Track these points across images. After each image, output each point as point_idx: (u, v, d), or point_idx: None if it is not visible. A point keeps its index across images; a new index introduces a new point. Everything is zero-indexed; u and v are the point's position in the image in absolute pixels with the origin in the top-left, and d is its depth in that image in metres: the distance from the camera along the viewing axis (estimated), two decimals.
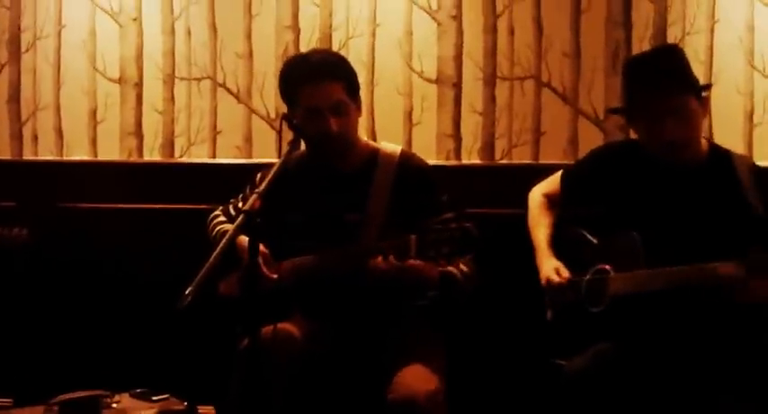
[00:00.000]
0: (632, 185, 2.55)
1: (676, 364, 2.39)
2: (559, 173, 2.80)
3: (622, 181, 2.57)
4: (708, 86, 2.53)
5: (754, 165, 2.56)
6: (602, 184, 2.62)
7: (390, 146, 2.76)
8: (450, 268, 2.55)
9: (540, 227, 2.73)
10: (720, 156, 2.53)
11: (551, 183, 2.80)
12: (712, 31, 3.29)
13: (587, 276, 2.56)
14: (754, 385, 2.34)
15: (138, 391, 2.78)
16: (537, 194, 2.81)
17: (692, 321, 2.39)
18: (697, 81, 2.50)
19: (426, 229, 2.30)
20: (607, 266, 2.52)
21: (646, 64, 2.51)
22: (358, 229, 2.60)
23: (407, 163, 2.71)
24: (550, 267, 2.58)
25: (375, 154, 2.72)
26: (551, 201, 2.78)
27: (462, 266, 2.57)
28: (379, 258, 2.41)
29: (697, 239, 2.39)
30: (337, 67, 2.64)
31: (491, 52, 3.44)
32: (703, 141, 2.54)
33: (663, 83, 2.43)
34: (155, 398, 2.74)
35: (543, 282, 2.59)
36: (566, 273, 2.56)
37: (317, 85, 2.58)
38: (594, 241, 2.62)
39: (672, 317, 2.39)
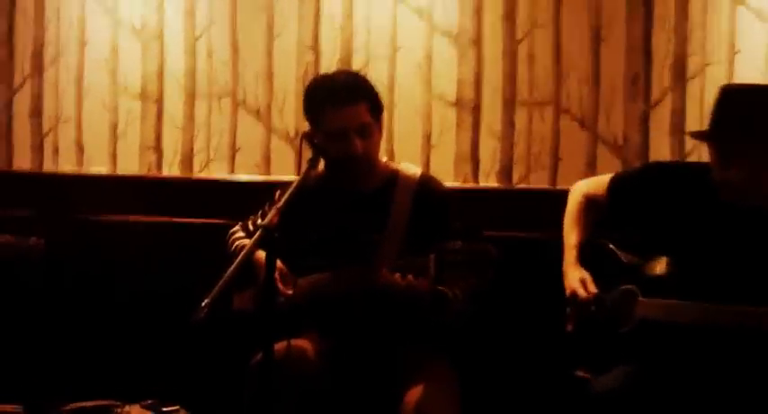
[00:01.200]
0: (689, 213, 2.46)
1: (703, 396, 2.33)
2: (607, 176, 2.70)
3: (679, 204, 2.48)
4: None
5: None
6: (656, 201, 2.52)
7: (411, 168, 2.77)
8: (443, 288, 2.52)
9: (573, 230, 2.66)
10: None
11: (597, 184, 2.70)
12: (732, 61, 3.29)
13: (613, 295, 2.51)
14: None
15: (149, 402, 2.78)
16: (578, 193, 2.72)
17: (724, 358, 2.32)
18: None
19: (446, 250, 2.30)
20: (635, 287, 2.47)
21: (742, 102, 2.37)
22: (376, 250, 2.59)
23: (427, 186, 2.72)
24: (576, 278, 2.53)
25: (395, 175, 2.73)
26: (592, 202, 2.69)
27: (457, 291, 2.55)
28: (397, 275, 2.41)
29: (738, 282, 2.32)
30: (362, 89, 2.65)
31: (510, 77, 3.46)
32: None
33: (748, 131, 2.32)
34: (165, 409, 2.74)
35: (568, 292, 2.54)
36: (593, 287, 2.50)
37: (343, 107, 2.59)
38: (624, 259, 2.56)
39: (702, 351, 2.33)
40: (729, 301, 2.27)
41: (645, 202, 2.55)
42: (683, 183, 2.51)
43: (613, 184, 2.65)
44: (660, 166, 2.69)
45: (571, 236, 2.65)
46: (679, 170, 2.60)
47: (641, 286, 2.46)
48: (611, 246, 2.60)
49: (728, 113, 2.38)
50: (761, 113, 2.34)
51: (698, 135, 2.50)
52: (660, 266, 2.44)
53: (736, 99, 2.40)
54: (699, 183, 2.45)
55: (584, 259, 2.61)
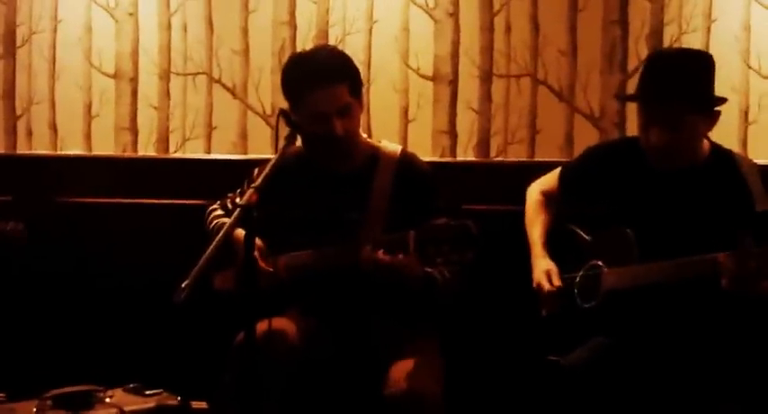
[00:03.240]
0: (629, 184, 2.55)
1: (670, 358, 2.40)
2: (558, 170, 2.80)
3: (619, 179, 2.57)
4: (722, 101, 2.46)
5: (756, 164, 2.53)
6: (600, 181, 2.61)
7: (391, 146, 2.75)
8: (432, 270, 2.53)
9: (535, 225, 2.74)
10: (722, 156, 2.51)
11: (549, 179, 2.80)
12: (708, 30, 3.29)
13: (580, 273, 2.57)
14: (749, 380, 2.35)
15: (132, 385, 2.77)
16: (534, 191, 2.82)
17: (686, 315, 2.39)
18: (711, 97, 2.44)
19: (426, 227, 2.30)
20: (599, 262, 2.52)
21: (666, 66, 2.44)
22: (357, 228, 2.59)
23: (408, 164, 2.70)
24: (542, 270, 2.59)
25: (376, 153, 2.71)
26: (549, 198, 2.78)
27: (445, 272, 2.55)
28: (380, 253, 2.40)
29: (692, 237, 2.38)
30: (343, 69, 2.61)
31: (488, 49, 3.44)
32: (705, 143, 2.52)
33: (670, 93, 2.38)
34: (148, 392, 2.73)
35: (534, 285, 2.61)
36: (557, 279, 2.57)
37: (324, 89, 2.55)
38: (587, 238, 2.62)
39: (666, 311, 2.40)
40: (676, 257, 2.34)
41: (590, 183, 2.64)
42: (618, 157, 2.60)
43: (562, 174, 2.76)
44: (598, 147, 2.79)
45: (534, 231, 2.73)
46: (615, 147, 2.70)
47: (605, 259, 2.51)
48: (572, 227, 2.67)
49: (651, 78, 2.45)
50: (679, 77, 2.40)
51: (622, 98, 2.57)
52: (615, 236, 2.49)
53: (659, 64, 2.47)
54: (630, 154, 2.55)
55: (552, 247, 2.67)
